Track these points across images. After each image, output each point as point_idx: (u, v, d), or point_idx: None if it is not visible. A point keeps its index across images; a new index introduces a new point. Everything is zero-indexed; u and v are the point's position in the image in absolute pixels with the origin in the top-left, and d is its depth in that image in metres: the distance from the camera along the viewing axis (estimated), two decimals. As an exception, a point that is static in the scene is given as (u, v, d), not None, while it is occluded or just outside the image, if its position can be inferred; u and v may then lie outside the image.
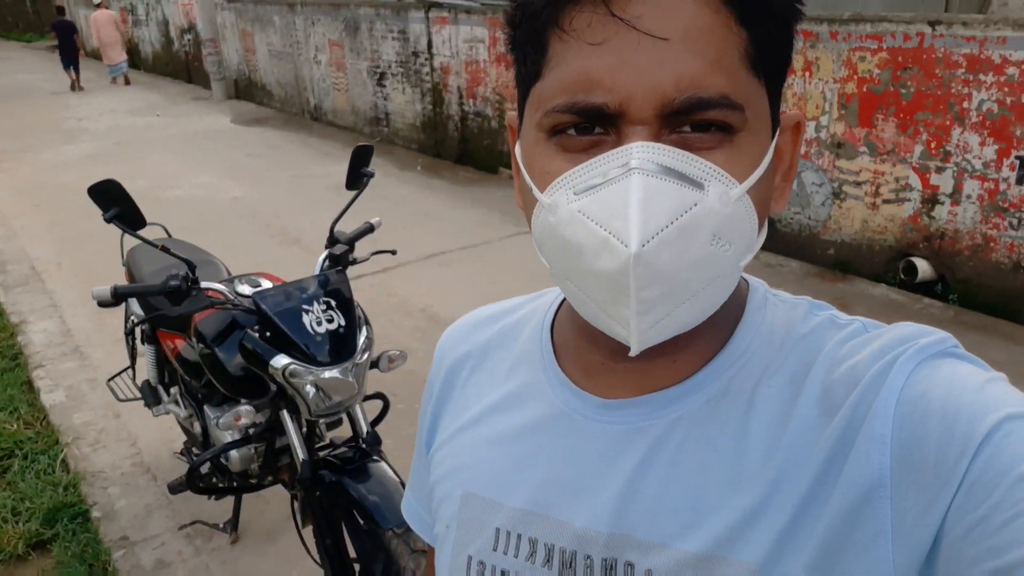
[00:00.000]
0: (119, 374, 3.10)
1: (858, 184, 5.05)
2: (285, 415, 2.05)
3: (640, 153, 0.49)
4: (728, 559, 0.54)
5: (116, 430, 3.38)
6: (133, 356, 3.02)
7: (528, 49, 0.55)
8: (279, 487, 2.64)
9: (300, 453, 2.05)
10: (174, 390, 2.70)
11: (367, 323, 2.10)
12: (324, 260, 2.18)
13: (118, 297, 1.94)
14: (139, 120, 10.95)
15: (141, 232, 1.96)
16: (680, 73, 0.49)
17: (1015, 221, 4.34)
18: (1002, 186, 4.35)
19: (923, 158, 4.67)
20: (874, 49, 4.74)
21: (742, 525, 0.54)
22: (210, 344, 2.15)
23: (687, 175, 0.50)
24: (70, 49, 14.08)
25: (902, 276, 4.87)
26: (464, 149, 8.45)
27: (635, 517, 0.57)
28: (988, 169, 4.39)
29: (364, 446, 2.11)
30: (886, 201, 4.93)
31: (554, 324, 0.70)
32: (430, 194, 7.11)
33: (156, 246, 1.99)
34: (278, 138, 9.86)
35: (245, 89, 13.08)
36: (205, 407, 2.50)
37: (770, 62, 0.53)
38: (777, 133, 0.56)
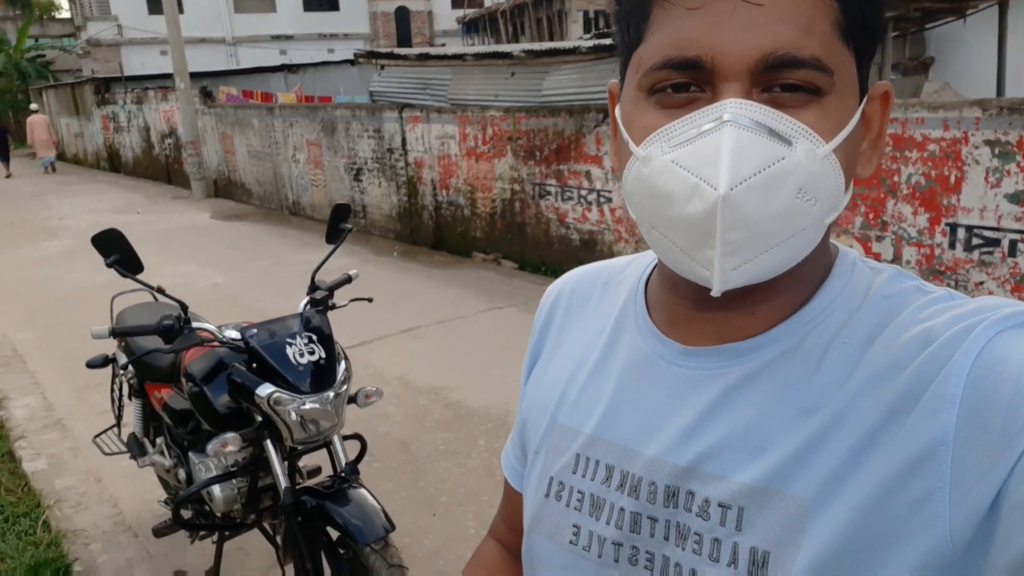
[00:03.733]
0: (105, 431, 3.21)
1: (806, 255, 5.39)
2: (268, 444, 2.19)
3: (733, 108, 0.53)
4: (780, 492, 0.56)
5: (98, 492, 3.45)
6: (119, 414, 3.14)
7: (632, 19, 0.59)
8: (259, 538, 2.73)
9: (282, 480, 2.19)
10: (160, 441, 2.82)
11: (346, 358, 2.29)
12: (305, 304, 2.39)
13: (116, 335, 2.13)
14: (120, 218, 11.21)
15: (140, 277, 2.17)
16: (773, 33, 0.52)
17: (951, 283, 4.67)
18: (936, 251, 4.71)
19: (864, 228, 5.05)
20: (811, 132, 5.19)
21: (795, 462, 0.56)
22: (199, 383, 2.32)
23: (776, 131, 0.53)
24: (3, 146, 18.55)
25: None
26: (439, 236, 8.79)
27: (700, 452, 0.61)
28: (923, 236, 4.76)
29: (343, 475, 2.25)
30: (833, 270, 5.27)
31: (649, 280, 0.75)
32: (407, 276, 7.37)
33: (152, 288, 2.19)
34: (257, 231, 10.16)
35: (224, 188, 13.49)
36: (190, 454, 2.62)
37: (860, 33, 0.56)
38: (864, 101, 0.58)
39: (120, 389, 3.06)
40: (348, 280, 2.55)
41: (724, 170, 0.51)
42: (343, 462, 2.28)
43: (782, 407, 0.58)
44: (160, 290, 2.20)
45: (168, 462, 2.76)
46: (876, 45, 0.58)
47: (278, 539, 2.44)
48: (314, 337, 2.19)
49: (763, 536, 0.57)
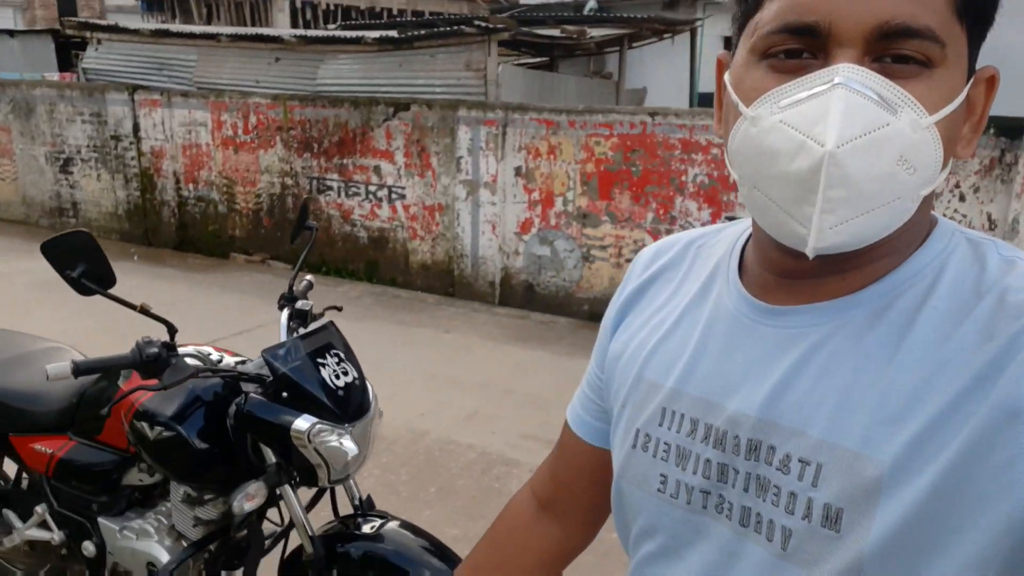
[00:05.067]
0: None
1: (603, 247, 5.86)
2: (288, 490, 1.82)
3: (845, 72, 0.55)
4: (860, 454, 0.57)
5: None
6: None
7: None
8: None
9: (309, 529, 1.83)
10: (40, 509, 2.14)
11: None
12: (289, 318, 2.02)
13: (79, 373, 1.61)
14: None
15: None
16: (891, 1, 0.55)
17: (730, 268, 5.43)
18: (717, 241, 5.43)
19: (655, 223, 5.63)
20: (607, 135, 5.64)
21: (878, 423, 0.57)
22: (172, 424, 1.83)
23: (884, 98, 0.55)
24: None
25: (648, 322, 5.73)
26: (183, 236, 7.80)
27: (783, 407, 0.62)
28: (706, 228, 5.46)
29: (362, 511, 1.96)
30: (627, 259, 5.80)
31: (745, 248, 0.75)
32: (166, 283, 6.43)
33: (135, 307, 1.69)
34: (-80, 235, 8.03)
35: None
36: (101, 520, 2.06)
37: (974, 11, 0.58)
38: (971, 82, 0.59)
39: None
40: (311, 286, 2.20)
41: (833, 128, 0.54)
42: (357, 495, 1.98)
43: (868, 368, 0.59)
44: (144, 310, 1.70)
45: (57, 535, 2.13)
46: (987, 27, 0.60)
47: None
48: (342, 355, 1.86)
49: (837, 493, 0.58)
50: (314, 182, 7.01)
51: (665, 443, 0.70)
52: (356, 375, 1.86)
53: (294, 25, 17.07)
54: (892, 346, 0.58)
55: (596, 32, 7.74)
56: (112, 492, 2.06)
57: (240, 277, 6.76)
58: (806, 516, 0.59)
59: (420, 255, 6.62)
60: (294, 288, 2.10)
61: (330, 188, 6.92)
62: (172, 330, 1.75)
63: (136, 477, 2.04)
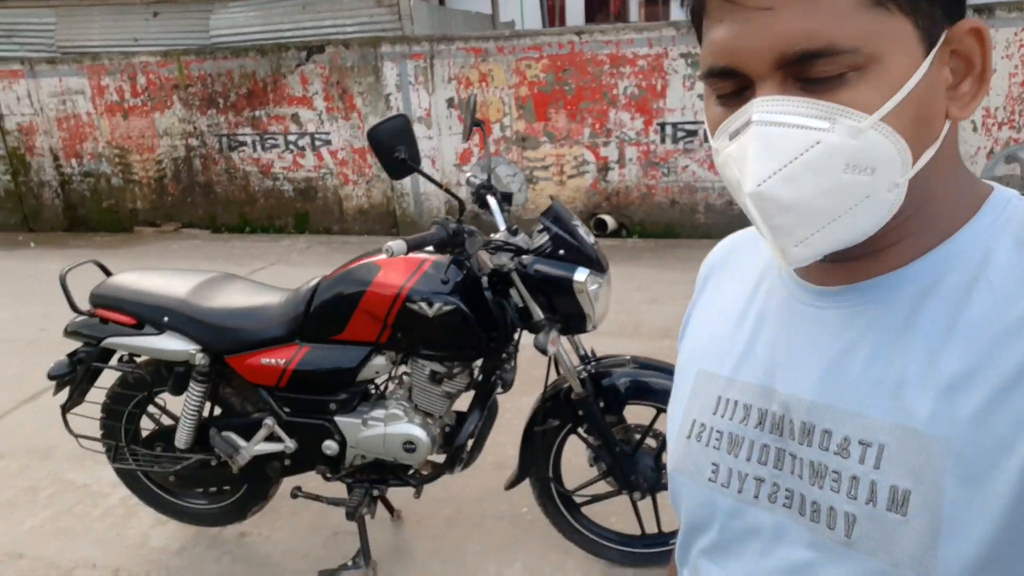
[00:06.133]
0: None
1: (545, 167, 6.20)
2: (562, 338, 2.06)
3: (759, 106, 0.55)
4: (922, 431, 0.56)
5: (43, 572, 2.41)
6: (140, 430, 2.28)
7: (694, 23, 0.64)
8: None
9: (575, 369, 2.08)
10: (269, 422, 2.19)
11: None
12: (499, 203, 2.21)
13: (411, 248, 1.77)
14: None
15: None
16: (781, 33, 0.54)
17: (665, 171, 5.98)
18: (651, 147, 5.95)
19: (592, 137, 6.03)
20: (536, 58, 5.93)
21: (938, 400, 0.56)
22: (448, 298, 1.99)
23: (807, 118, 0.54)
24: None
25: (595, 231, 6.19)
26: (73, 217, 7.18)
27: (838, 389, 0.61)
28: (640, 136, 5.95)
29: (594, 357, 2.23)
30: (570, 176, 6.19)
31: None
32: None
33: (440, 185, 1.84)
34: None
35: None
36: (339, 419, 2.18)
37: None
38: (935, 50, 0.56)
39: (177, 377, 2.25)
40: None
41: (749, 168, 0.56)
42: (582, 348, 2.25)
43: (923, 344, 0.58)
44: (447, 188, 1.85)
45: (290, 443, 2.21)
46: None
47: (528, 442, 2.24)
48: (579, 221, 2.10)
49: (903, 474, 0.56)
50: (224, 139, 6.70)
51: (718, 431, 0.69)
52: (594, 236, 2.11)
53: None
54: (946, 321, 0.57)
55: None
56: (348, 389, 2.17)
57: (165, 246, 6.40)
58: (870, 500, 0.57)
59: (355, 200, 6.60)
60: (488, 174, 2.26)
61: (243, 144, 6.66)
62: (462, 207, 1.90)
63: (373, 370, 2.16)
